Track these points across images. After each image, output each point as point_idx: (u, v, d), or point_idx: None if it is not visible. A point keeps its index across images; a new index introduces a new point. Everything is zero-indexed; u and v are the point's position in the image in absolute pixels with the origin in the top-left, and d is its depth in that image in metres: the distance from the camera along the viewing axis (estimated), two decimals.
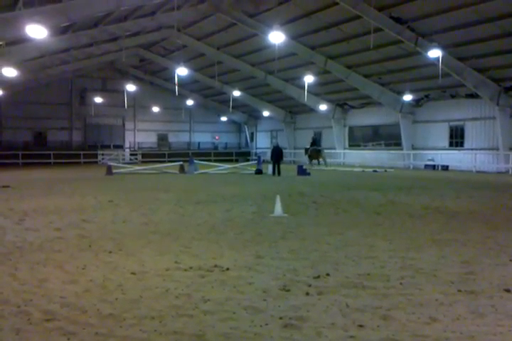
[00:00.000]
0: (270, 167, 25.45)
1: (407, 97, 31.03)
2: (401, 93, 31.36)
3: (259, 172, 25.75)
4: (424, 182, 20.45)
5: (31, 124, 42.67)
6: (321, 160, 32.84)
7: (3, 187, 17.60)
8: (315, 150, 32.92)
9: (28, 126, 42.56)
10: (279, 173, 24.58)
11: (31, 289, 5.11)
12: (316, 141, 33.85)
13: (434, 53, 23.71)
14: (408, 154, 33.12)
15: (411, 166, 32.65)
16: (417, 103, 32.38)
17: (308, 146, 33.83)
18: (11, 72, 24.88)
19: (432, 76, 27.11)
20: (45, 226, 9.13)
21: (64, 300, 4.73)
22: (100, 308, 4.49)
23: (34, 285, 5.24)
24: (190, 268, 5.95)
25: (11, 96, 38.75)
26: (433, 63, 25.10)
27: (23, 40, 20.81)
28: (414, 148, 33.04)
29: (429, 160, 31.69)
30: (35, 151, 40.88)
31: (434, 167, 30.88)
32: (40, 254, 6.74)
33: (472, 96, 28.33)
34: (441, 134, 31.56)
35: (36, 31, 16.93)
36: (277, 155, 25.37)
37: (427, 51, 23.99)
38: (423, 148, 32.51)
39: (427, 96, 31.54)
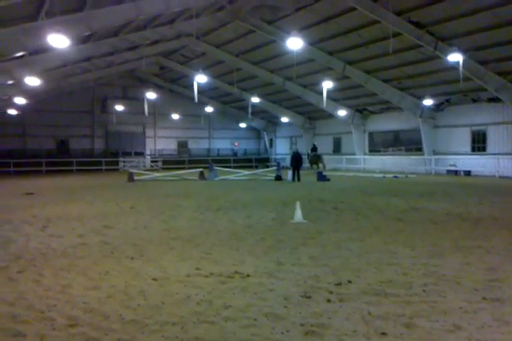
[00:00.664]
0: (290, 173, 25.43)
1: (428, 102, 30.74)
2: (421, 98, 31.06)
3: (278, 178, 25.73)
4: (446, 187, 20.18)
5: (54, 132, 43.37)
6: (320, 165, 33.66)
7: (28, 194, 17.93)
8: (315, 156, 34.17)
9: (51, 134, 43.26)
10: (298, 179, 24.54)
11: (55, 295, 5.19)
12: (315, 148, 34.99)
13: (454, 57, 23.46)
14: (429, 159, 32.74)
15: (432, 172, 32.25)
16: (437, 107, 32.03)
17: (309, 152, 35.08)
18: (34, 81, 25.38)
19: (452, 80, 26.81)
20: (69, 232, 9.26)
21: (87, 306, 4.79)
22: (122, 314, 4.53)
23: (58, 291, 5.32)
24: (211, 274, 5.96)
25: (34, 105, 39.48)
26: (453, 67, 24.82)
27: (46, 49, 21.21)
28: (435, 153, 32.64)
29: (451, 165, 31.26)
30: (58, 159, 41.56)
31: (456, 172, 30.46)
32: (64, 260, 6.84)
33: (494, 100, 27.91)
34: (462, 139, 31.12)
35: (58, 41, 17.26)
36: (297, 161, 25.34)
37: (447, 55, 23.74)
38: (444, 153, 32.08)
39: (447, 100, 31.18)
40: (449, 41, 23.85)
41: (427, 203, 13.93)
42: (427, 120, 32.36)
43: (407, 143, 36.05)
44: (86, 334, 4.02)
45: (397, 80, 30.81)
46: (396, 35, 23.90)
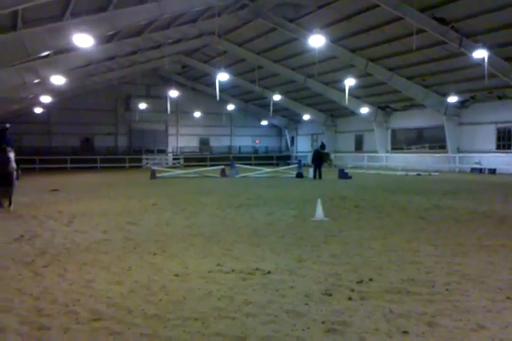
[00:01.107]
0: (311, 170, 25.34)
1: (452, 99, 30.28)
2: (445, 95, 30.62)
3: (299, 175, 25.68)
4: (471, 186, 19.86)
5: (79, 130, 44.08)
6: (328, 162, 34.29)
7: (53, 190, 18.26)
8: (323, 154, 35.07)
9: (75, 131, 43.97)
10: (320, 177, 24.44)
11: (79, 289, 5.28)
12: (323, 146, 35.44)
13: (480, 54, 23.05)
14: (453, 157, 32.26)
15: (456, 169, 31.79)
16: (462, 105, 31.52)
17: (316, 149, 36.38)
18: (59, 80, 25.84)
19: (477, 77, 26.34)
20: (93, 228, 9.41)
21: (110, 301, 4.86)
22: (145, 309, 4.59)
23: (82, 286, 5.41)
24: (232, 270, 6.00)
25: (59, 103, 40.21)
26: (478, 64, 24.40)
27: (71, 49, 21.54)
28: (459, 150, 32.15)
29: (476, 163, 30.74)
30: (83, 156, 42.24)
31: (480, 170, 29.94)
32: (88, 255, 6.95)
33: None
34: (488, 136, 30.58)
35: (83, 40, 17.53)
36: (318, 158, 25.23)
37: (471, 52, 23.35)
38: (469, 151, 31.56)
39: (472, 97, 30.66)
40: (474, 37, 23.46)
41: (451, 201, 13.73)
42: (451, 117, 31.88)
43: (430, 140, 35.62)
44: (109, 329, 4.08)
45: (421, 77, 30.41)
46: (420, 31, 23.61)
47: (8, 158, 11.67)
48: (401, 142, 38.51)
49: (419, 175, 27.55)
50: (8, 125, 13.52)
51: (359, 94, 35.92)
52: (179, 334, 3.96)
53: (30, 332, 4.03)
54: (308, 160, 44.09)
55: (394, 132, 38.88)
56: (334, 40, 28.23)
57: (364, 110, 37.29)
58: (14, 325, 4.18)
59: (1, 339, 3.85)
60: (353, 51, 29.69)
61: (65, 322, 4.24)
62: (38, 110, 39.85)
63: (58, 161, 40.45)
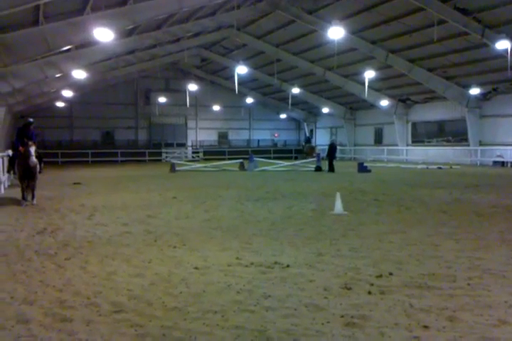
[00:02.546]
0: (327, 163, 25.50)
1: (474, 91, 29.76)
2: (467, 87, 30.09)
3: (318, 169, 25.60)
4: (493, 179, 19.55)
5: (99, 124, 44.55)
6: (313, 154, 35.86)
7: (75, 184, 18.52)
8: (310, 147, 35.28)
9: (96, 125, 44.46)
10: (331, 170, 24.75)
11: (100, 281, 5.36)
12: (310, 139, 36.69)
13: (502, 45, 22.59)
14: (475, 150, 31.77)
15: (478, 163, 31.31)
16: (484, 97, 30.94)
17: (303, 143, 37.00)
18: (80, 74, 26.10)
19: (500, 68, 25.83)
20: (114, 221, 9.53)
21: (131, 293, 4.93)
22: (165, 301, 4.65)
23: (103, 278, 5.49)
24: (251, 264, 6.02)
25: (80, 97, 40.69)
26: (501, 55, 23.91)
27: (91, 43, 21.72)
28: (481, 143, 31.63)
29: (498, 156, 30.22)
30: (104, 150, 42.71)
31: (502, 163, 29.44)
32: (109, 248, 7.05)
33: None
34: (510, 129, 29.97)
35: (103, 34, 17.64)
36: (330, 151, 25.57)
37: (494, 43, 22.89)
38: (491, 144, 31.03)
39: (495, 89, 30.06)
40: (497, 28, 22.97)
41: (472, 195, 13.55)
42: (473, 110, 31.36)
43: (451, 133, 35.14)
44: (130, 321, 4.14)
45: (442, 69, 29.93)
46: (441, 22, 23.21)
47: (29, 152, 11.84)
48: (421, 135, 38.05)
49: (440, 168, 27.22)
50: (31, 119, 13.75)
51: (379, 87, 35.53)
52: (199, 326, 4.00)
53: (53, 323, 4.10)
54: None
55: (414, 125, 38.43)
56: (354, 32, 27.92)
57: (384, 103, 36.90)
58: (38, 316, 4.26)
59: (25, 331, 3.93)
60: (373, 43, 29.34)
61: (87, 314, 4.31)
62: (60, 104, 40.39)
63: (80, 155, 41.02)
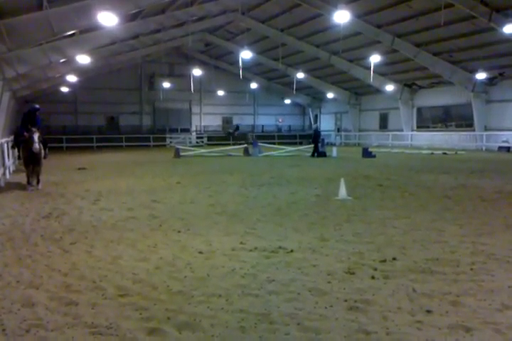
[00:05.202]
0: (334, 149, 25.42)
1: (481, 76, 29.45)
2: (474, 71, 29.78)
3: (322, 154, 25.53)
4: (498, 164, 19.46)
5: (104, 109, 44.49)
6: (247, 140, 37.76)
7: (80, 169, 18.58)
8: (241, 134, 39.59)
9: (101, 110, 44.41)
10: (313, 154, 25.33)
11: (106, 266, 5.40)
12: (237, 128, 39.19)
13: (510, 28, 22.26)
14: (481, 135, 31.60)
15: (483, 148, 31.15)
16: (490, 82, 30.64)
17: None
18: (84, 59, 25.97)
19: (507, 53, 25.59)
20: (119, 206, 9.58)
21: (136, 277, 4.97)
22: (170, 285, 4.69)
23: (108, 262, 5.54)
24: (255, 248, 6.05)
25: (85, 83, 40.49)
26: (509, 39, 23.61)
27: (96, 28, 21.55)
28: (487, 129, 31.44)
29: (504, 141, 30.04)
30: (108, 135, 42.72)
31: (508, 149, 29.27)
32: (114, 233, 7.09)
33: None
34: None
35: (107, 19, 17.48)
36: (316, 137, 25.86)
37: (502, 26, 22.56)
38: (497, 129, 30.83)
39: (501, 74, 29.75)
40: (505, 11, 22.62)
41: (477, 180, 13.51)
42: (479, 95, 31.11)
43: (457, 118, 34.94)
44: (135, 304, 4.18)
45: (449, 53, 29.60)
46: (448, 6, 22.88)
47: (32, 139, 11.84)
48: (427, 120, 37.83)
49: (445, 153, 27.09)
50: (37, 106, 13.73)
51: (384, 71, 35.22)
52: (203, 310, 4.04)
53: (58, 307, 4.15)
54: (332, 139, 43.98)
55: (420, 110, 38.18)
56: (360, 16, 27.58)
57: (389, 88, 36.63)
58: (43, 300, 4.31)
59: (31, 314, 3.98)
60: (378, 27, 28.99)
61: (93, 298, 4.36)
62: (64, 89, 40.30)
63: (84, 140, 41.04)
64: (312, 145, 25.95)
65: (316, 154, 25.36)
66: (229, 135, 43.59)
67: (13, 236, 6.88)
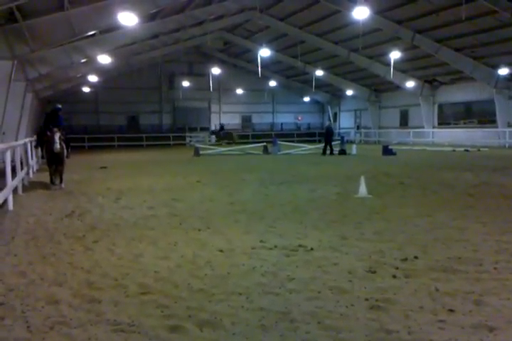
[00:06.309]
0: (354, 147, 25.23)
1: (503, 71, 28.93)
2: (496, 67, 29.25)
3: (342, 152, 25.39)
4: None
5: (125, 109, 44.94)
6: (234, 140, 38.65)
7: (102, 168, 18.80)
8: (228, 133, 39.78)
9: (121, 110, 44.87)
10: (323, 153, 25.01)
11: (127, 264, 5.45)
12: (222, 127, 39.65)
13: None
14: (504, 132, 31.02)
15: (506, 145, 30.60)
16: None
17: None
18: (105, 59, 26.27)
19: None
20: (140, 204, 9.66)
21: (158, 275, 5.01)
22: (191, 283, 4.71)
23: (130, 260, 5.59)
24: (275, 247, 6.04)
25: (106, 82, 40.97)
26: None
27: (116, 28, 21.78)
28: (510, 125, 30.86)
29: None
30: (129, 134, 43.15)
31: None
32: (136, 231, 7.16)
33: None
34: None
35: (127, 19, 17.65)
36: (327, 135, 25.55)
37: None
38: None
39: None
40: None
41: (501, 178, 13.27)
42: (502, 90, 30.56)
43: (479, 115, 34.38)
44: (157, 302, 4.21)
45: (471, 49, 29.13)
46: (469, 0, 22.51)
47: (53, 139, 11.98)
48: (448, 117, 37.31)
49: (467, 150, 26.71)
50: (59, 106, 13.93)
51: (405, 68, 34.83)
52: (224, 308, 4.05)
53: (81, 304, 4.20)
54: (351, 136, 43.71)
55: (441, 106, 37.68)
56: (379, 12, 27.31)
57: (410, 84, 36.22)
58: (67, 297, 4.37)
59: (55, 311, 4.04)
60: (398, 23, 28.67)
61: (115, 296, 4.40)
62: (85, 89, 40.83)
63: (106, 139, 41.58)
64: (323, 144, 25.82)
65: (327, 152, 25.04)
66: (213, 134, 43.85)
67: (37, 235, 6.99)
